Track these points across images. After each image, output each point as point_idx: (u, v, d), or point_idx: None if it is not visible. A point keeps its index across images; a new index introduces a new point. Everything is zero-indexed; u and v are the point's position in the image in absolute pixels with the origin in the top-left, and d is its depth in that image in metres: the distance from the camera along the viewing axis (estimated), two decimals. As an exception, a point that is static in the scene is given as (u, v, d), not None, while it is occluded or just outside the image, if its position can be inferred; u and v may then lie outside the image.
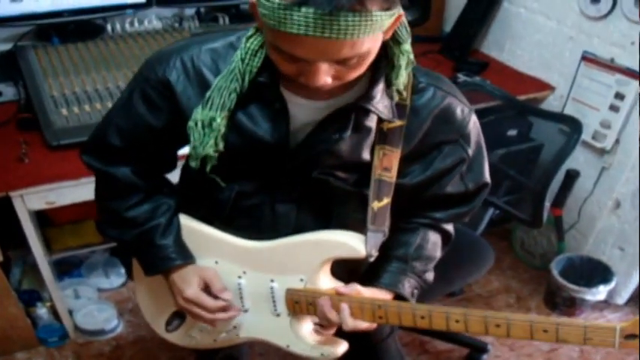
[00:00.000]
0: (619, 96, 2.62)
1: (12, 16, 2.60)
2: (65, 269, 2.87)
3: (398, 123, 1.33)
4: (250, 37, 1.27)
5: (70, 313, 2.65)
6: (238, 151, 1.35)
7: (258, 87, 1.29)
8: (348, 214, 1.46)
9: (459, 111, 1.36)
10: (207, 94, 1.30)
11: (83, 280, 2.89)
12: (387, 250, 1.51)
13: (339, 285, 1.45)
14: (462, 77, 2.88)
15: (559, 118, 2.62)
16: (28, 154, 2.16)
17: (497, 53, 3.22)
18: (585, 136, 2.74)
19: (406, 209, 1.54)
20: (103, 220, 1.59)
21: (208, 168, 1.35)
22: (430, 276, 1.58)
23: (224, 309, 1.51)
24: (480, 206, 1.58)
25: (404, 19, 1.22)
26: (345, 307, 1.40)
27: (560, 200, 2.89)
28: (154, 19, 2.92)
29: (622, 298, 2.97)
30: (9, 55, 2.64)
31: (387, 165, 1.37)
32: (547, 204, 2.42)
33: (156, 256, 1.52)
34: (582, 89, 2.77)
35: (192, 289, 1.49)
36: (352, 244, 1.39)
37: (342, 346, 1.52)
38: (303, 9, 0.99)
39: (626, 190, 2.76)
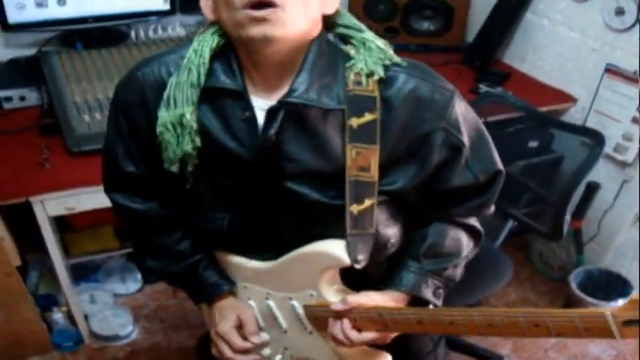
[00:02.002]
0: None
1: (37, 22, 2.63)
2: (82, 274, 2.88)
3: (368, 117, 1.27)
4: (201, 32, 1.29)
5: (86, 318, 2.66)
6: (208, 156, 1.34)
7: (223, 91, 1.29)
8: (332, 227, 1.38)
9: (436, 95, 1.28)
10: (166, 93, 1.29)
11: (99, 285, 2.91)
12: (403, 250, 1.48)
13: (350, 295, 1.41)
14: (483, 88, 2.89)
15: (581, 130, 2.59)
16: (50, 159, 2.17)
17: (520, 64, 3.20)
18: (607, 148, 2.69)
19: (420, 209, 1.48)
20: (142, 252, 1.62)
21: (190, 167, 1.34)
22: (455, 273, 1.51)
23: (248, 351, 1.55)
24: (497, 214, 1.53)
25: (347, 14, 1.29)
26: (345, 321, 1.38)
27: (580, 212, 2.87)
28: (177, 27, 2.95)
29: None
30: (33, 60, 2.66)
31: (364, 164, 1.30)
32: (568, 217, 2.39)
33: (204, 284, 1.57)
34: (605, 101, 2.76)
35: (225, 325, 1.54)
36: (332, 252, 1.36)
37: (385, 359, 1.50)
38: None
39: None
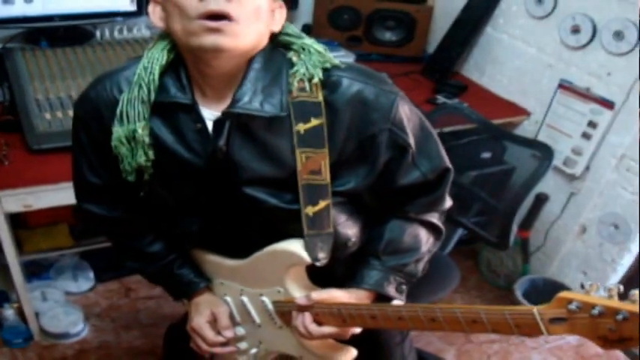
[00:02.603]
0: (592, 124, 2.68)
1: (3, 18, 2.62)
2: (34, 271, 2.88)
3: (314, 122, 1.30)
4: (150, 48, 1.32)
5: (37, 315, 2.65)
6: (165, 167, 1.39)
7: (174, 105, 1.33)
8: (292, 228, 1.42)
9: (380, 98, 1.31)
10: (118, 109, 1.33)
11: (51, 282, 2.90)
12: (362, 247, 1.52)
13: (315, 292, 1.45)
14: (441, 99, 2.94)
15: (531, 144, 2.64)
16: (9, 155, 2.17)
17: (478, 76, 3.26)
18: (557, 161, 2.80)
19: (377, 208, 1.51)
20: (120, 253, 1.69)
21: (147, 176, 1.39)
22: (417, 269, 1.53)
23: (224, 344, 1.61)
24: (446, 221, 1.56)
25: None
26: (306, 315, 1.43)
27: (527, 223, 2.95)
28: (143, 28, 2.96)
29: None
30: (-4, 57, 2.67)
31: (314, 167, 1.34)
32: (515, 227, 2.45)
33: (180, 283, 1.64)
34: (557, 116, 2.83)
35: (198, 320, 1.61)
36: (294, 250, 1.41)
37: (350, 354, 1.54)
38: None
39: (593, 216, 2.82)
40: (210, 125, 1.32)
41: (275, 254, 1.47)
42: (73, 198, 2.08)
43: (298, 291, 1.49)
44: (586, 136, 2.71)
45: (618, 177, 2.68)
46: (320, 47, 1.33)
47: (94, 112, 1.38)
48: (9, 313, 2.59)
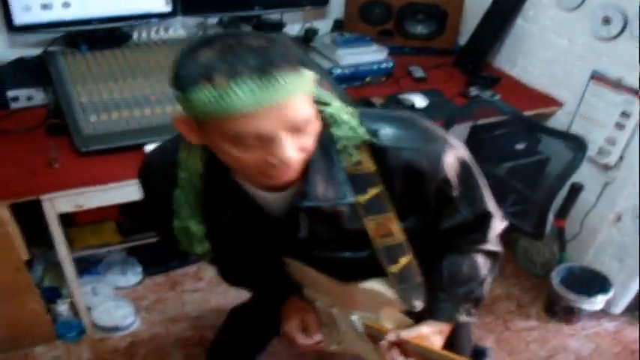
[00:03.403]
0: (625, 114, 2.68)
1: (42, 23, 2.70)
2: (84, 267, 2.95)
3: (372, 192, 1.34)
4: (185, 158, 1.33)
5: (88, 309, 2.73)
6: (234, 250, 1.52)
7: (226, 193, 1.37)
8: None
9: (424, 163, 1.33)
10: (173, 206, 1.40)
11: (101, 277, 2.98)
12: (428, 281, 1.56)
13: (404, 330, 1.52)
14: (474, 91, 2.97)
15: (565, 136, 2.64)
16: (58, 158, 2.24)
17: (509, 68, 3.27)
18: (591, 151, 2.79)
19: (430, 243, 1.55)
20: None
21: (207, 259, 1.51)
22: (482, 291, 1.59)
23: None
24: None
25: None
26: (394, 351, 1.50)
27: (563, 212, 2.96)
28: (179, 28, 3.04)
29: (618, 308, 3.04)
30: (38, 61, 2.74)
31: (385, 231, 1.39)
32: (551, 217, 2.48)
33: (273, 291, 1.80)
34: (590, 107, 2.83)
35: (289, 326, 1.76)
36: (391, 297, 1.51)
37: None
38: (241, 84, 1.03)
39: (628, 205, 2.83)
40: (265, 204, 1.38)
41: (371, 293, 1.54)
42: (122, 197, 2.23)
43: (390, 322, 1.58)
44: (619, 126, 2.71)
45: None
46: (346, 115, 1.32)
47: (152, 192, 1.51)
48: (62, 308, 2.66)
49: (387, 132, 1.33)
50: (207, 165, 1.32)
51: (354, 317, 1.65)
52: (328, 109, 1.31)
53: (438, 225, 1.48)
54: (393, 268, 1.44)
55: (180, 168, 1.34)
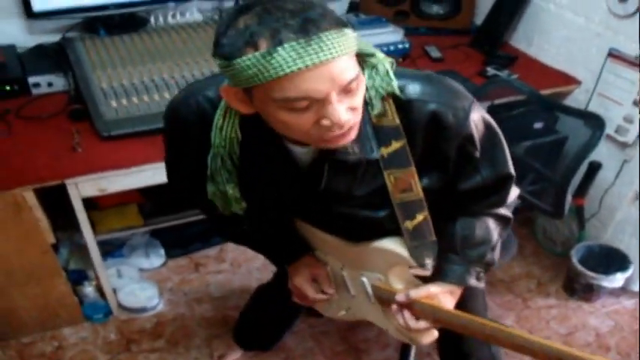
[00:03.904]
0: None
1: (60, 9, 2.74)
2: (108, 250, 2.99)
3: (395, 145, 1.34)
4: (220, 125, 1.33)
5: (114, 291, 2.77)
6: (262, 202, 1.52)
7: (263, 150, 1.38)
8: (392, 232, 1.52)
9: (450, 117, 1.33)
10: (208, 172, 1.41)
11: (125, 260, 3.02)
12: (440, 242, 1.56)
13: (413, 290, 1.53)
14: (491, 71, 2.97)
15: (583, 114, 2.62)
16: (81, 143, 2.27)
17: (526, 47, 3.26)
18: (609, 129, 2.78)
19: (445, 204, 1.55)
20: (218, 222, 1.78)
21: (242, 213, 1.50)
22: (493, 256, 1.61)
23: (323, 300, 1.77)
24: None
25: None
26: (405, 311, 1.52)
27: (582, 191, 2.96)
28: (195, 12, 3.05)
29: (637, 286, 3.02)
30: (58, 47, 2.77)
31: (404, 186, 1.39)
32: (569, 196, 2.48)
33: (283, 251, 1.80)
34: (607, 84, 2.82)
35: (299, 279, 1.77)
36: (402, 254, 1.50)
37: (430, 336, 1.57)
38: (285, 45, 1.03)
39: None
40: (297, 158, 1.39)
41: (382, 252, 1.55)
42: (144, 181, 2.26)
43: (399, 283, 1.59)
44: (637, 104, 2.70)
45: None
46: (387, 65, 1.31)
47: (184, 131, 1.43)
48: (89, 290, 2.70)
49: (414, 87, 1.32)
50: (242, 128, 1.33)
51: (364, 279, 1.66)
52: (373, 60, 1.30)
53: (457, 185, 1.49)
54: (409, 224, 1.45)
55: (214, 134, 1.34)
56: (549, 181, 2.59)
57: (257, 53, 1.04)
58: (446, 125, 1.33)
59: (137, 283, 2.88)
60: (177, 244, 3.16)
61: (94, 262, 2.57)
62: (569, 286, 3.04)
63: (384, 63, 1.30)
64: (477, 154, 1.42)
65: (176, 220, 2.91)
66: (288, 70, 1.04)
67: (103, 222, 2.82)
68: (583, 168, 2.81)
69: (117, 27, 2.88)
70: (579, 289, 2.98)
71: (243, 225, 1.70)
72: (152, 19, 2.98)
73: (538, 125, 2.84)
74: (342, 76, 1.10)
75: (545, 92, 2.85)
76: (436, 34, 3.39)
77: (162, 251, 3.11)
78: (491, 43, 3.24)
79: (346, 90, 1.13)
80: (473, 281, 1.58)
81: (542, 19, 3.15)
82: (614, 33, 2.77)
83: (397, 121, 1.32)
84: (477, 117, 1.38)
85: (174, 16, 3.01)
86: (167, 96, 2.44)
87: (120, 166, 2.24)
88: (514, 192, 1.60)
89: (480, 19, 3.40)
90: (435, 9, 3.41)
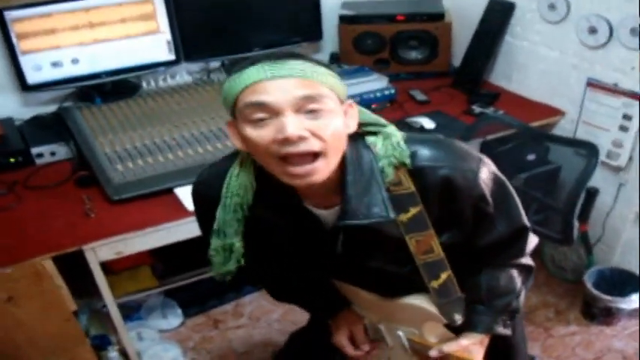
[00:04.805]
0: (627, 117, 2.74)
1: (54, 81, 2.79)
2: (125, 314, 2.95)
3: (413, 211, 1.38)
4: (237, 170, 1.40)
5: (138, 354, 2.74)
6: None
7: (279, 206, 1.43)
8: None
9: (460, 180, 1.37)
10: (215, 225, 1.44)
11: (143, 322, 3.01)
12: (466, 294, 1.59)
13: (446, 344, 1.59)
14: (476, 109, 3.03)
15: (574, 143, 2.72)
16: (93, 208, 2.28)
17: (506, 83, 3.34)
18: (600, 155, 2.76)
19: (467, 259, 1.59)
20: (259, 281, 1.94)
21: (228, 279, 1.53)
22: (518, 304, 1.64)
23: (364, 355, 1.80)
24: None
25: (368, 114, 1.40)
26: None
27: (584, 216, 2.96)
28: (184, 74, 3.10)
29: None
30: (55, 117, 2.80)
31: (426, 248, 1.43)
32: (576, 222, 2.53)
33: (324, 306, 1.85)
34: (591, 112, 2.90)
35: (338, 336, 1.82)
36: (433, 312, 1.55)
37: None
38: (257, 65, 1.19)
39: None
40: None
41: (414, 308, 1.59)
42: (160, 241, 2.29)
43: (433, 337, 1.63)
44: (623, 128, 2.77)
45: None
46: (397, 137, 1.38)
47: (205, 206, 1.50)
48: (113, 355, 2.67)
49: (424, 152, 1.37)
50: (259, 181, 1.39)
51: (400, 333, 1.69)
52: (383, 129, 1.39)
53: (476, 241, 1.52)
54: (435, 284, 1.49)
55: (228, 182, 1.40)
56: (552, 209, 2.65)
57: (235, 74, 1.22)
58: (457, 188, 1.38)
59: (159, 344, 2.87)
60: (193, 302, 3.17)
61: (117, 326, 2.53)
62: (587, 312, 3.05)
63: (396, 134, 1.38)
64: (491, 209, 1.45)
65: (189, 278, 2.91)
66: (250, 81, 1.19)
67: (118, 286, 2.79)
68: (583, 194, 2.88)
69: (111, 94, 2.92)
70: (598, 314, 3.00)
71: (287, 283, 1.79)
72: (144, 84, 3.02)
73: (531, 157, 2.88)
74: (296, 90, 1.19)
75: (532, 125, 2.92)
76: (417, 78, 3.48)
77: (179, 311, 3.11)
78: (472, 82, 3.32)
79: (304, 109, 1.20)
80: (500, 329, 1.62)
81: (518, 55, 3.24)
82: (590, 63, 2.86)
83: (412, 188, 1.37)
84: (486, 175, 1.42)
85: (164, 79, 3.06)
86: (170, 157, 2.49)
87: (134, 228, 2.24)
88: (533, 241, 1.64)
89: (458, 60, 3.48)
90: (414, 54, 3.50)
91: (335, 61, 3.47)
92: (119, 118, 2.73)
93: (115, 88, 2.96)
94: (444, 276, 1.48)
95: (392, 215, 1.36)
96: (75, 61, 2.81)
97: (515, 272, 1.61)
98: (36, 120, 2.84)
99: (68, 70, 2.80)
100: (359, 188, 1.35)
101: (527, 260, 1.64)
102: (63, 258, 2.22)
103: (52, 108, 2.88)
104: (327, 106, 1.22)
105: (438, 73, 3.50)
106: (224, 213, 1.42)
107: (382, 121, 1.42)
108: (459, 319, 1.55)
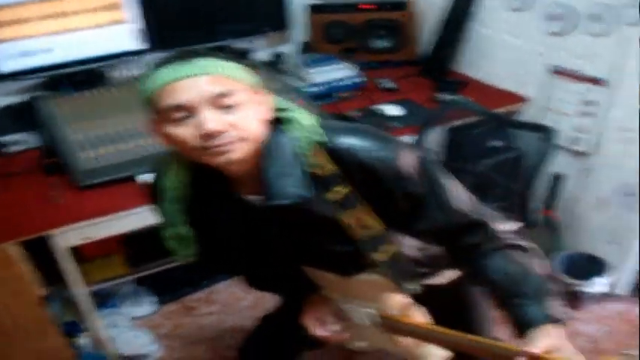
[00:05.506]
0: (590, 103, 2.79)
1: (25, 70, 2.78)
2: (99, 301, 2.95)
3: (343, 191, 1.42)
4: (174, 167, 1.48)
5: (110, 341, 2.75)
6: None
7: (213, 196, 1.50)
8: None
9: (378, 165, 1.40)
10: (164, 217, 1.53)
11: (117, 310, 3.02)
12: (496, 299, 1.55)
13: (410, 308, 1.57)
14: (444, 96, 3.06)
15: (533, 127, 2.73)
16: (61, 195, 2.30)
17: (474, 72, 3.38)
18: (565, 141, 2.90)
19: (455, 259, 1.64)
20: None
21: (192, 261, 1.60)
22: (549, 285, 1.52)
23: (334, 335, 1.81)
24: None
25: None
26: None
27: (551, 202, 3.03)
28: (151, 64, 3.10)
29: (622, 289, 3.08)
30: (26, 106, 2.80)
31: (362, 224, 1.45)
32: (537, 206, 2.55)
33: (294, 289, 1.88)
34: (556, 99, 2.94)
35: (306, 319, 1.84)
36: (388, 283, 1.56)
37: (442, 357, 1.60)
38: (167, 66, 1.25)
39: (610, 188, 2.90)
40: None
41: (370, 283, 1.60)
42: (126, 226, 2.31)
43: (395, 309, 1.60)
44: (587, 114, 2.82)
45: (624, 149, 2.75)
46: (309, 119, 1.44)
47: (155, 200, 1.58)
48: (84, 341, 2.68)
49: (342, 139, 1.42)
50: (194, 173, 1.47)
51: (370, 310, 1.69)
52: (291, 113, 1.45)
53: (418, 226, 1.53)
54: (378, 257, 1.51)
55: (164, 179, 1.49)
56: (515, 194, 2.67)
57: (148, 77, 1.28)
58: (377, 172, 1.41)
59: (131, 331, 2.88)
60: (166, 289, 3.19)
61: (86, 314, 2.56)
62: None
63: (308, 117, 1.45)
64: (420, 194, 1.47)
65: (161, 266, 2.95)
66: (161, 82, 1.25)
67: (90, 273, 2.82)
68: (549, 181, 2.96)
69: (82, 83, 2.92)
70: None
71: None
72: (115, 73, 3.04)
73: (496, 143, 2.89)
74: (209, 88, 1.25)
75: (497, 111, 2.96)
76: (385, 66, 3.51)
77: (152, 298, 3.14)
78: (440, 71, 3.36)
79: (220, 105, 1.27)
80: (559, 312, 1.47)
81: (484, 44, 3.28)
82: (554, 50, 2.90)
83: (335, 169, 1.41)
84: (406, 160, 1.44)
85: (135, 68, 3.07)
86: (138, 143, 2.50)
87: (102, 213, 2.27)
88: (507, 225, 1.62)
89: (425, 48, 3.52)
90: (381, 43, 3.54)
91: (305, 50, 3.50)
92: (89, 107, 2.73)
93: (85, 77, 2.95)
94: (387, 249, 1.51)
95: (309, 194, 1.41)
96: (46, 51, 2.80)
97: (515, 254, 1.56)
98: (6, 109, 2.84)
99: (39, 60, 2.79)
100: (279, 171, 1.40)
101: (517, 241, 1.59)
102: (36, 245, 2.24)
103: (22, 97, 2.88)
104: (240, 98, 1.30)
105: (406, 61, 3.54)
106: (169, 205, 1.50)
107: (293, 106, 1.48)
108: (412, 287, 1.56)
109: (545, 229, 3.15)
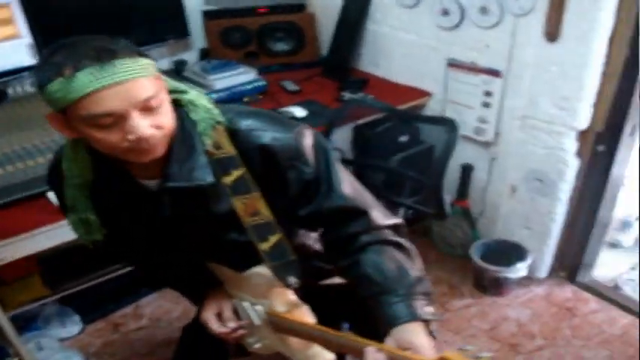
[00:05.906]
0: (487, 93, 2.89)
1: None
2: (22, 325, 2.90)
3: (236, 173, 1.45)
4: (72, 157, 1.45)
5: None
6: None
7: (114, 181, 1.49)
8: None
9: (277, 146, 1.45)
10: (67, 203, 1.53)
11: (42, 332, 2.92)
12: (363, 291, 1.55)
13: (297, 306, 1.59)
14: (347, 95, 3.09)
15: (435, 120, 2.83)
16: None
17: (374, 69, 3.43)
18: (468, 132, 3.00)
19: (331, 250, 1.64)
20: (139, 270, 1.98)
21: (101, 244, 1.60)
22: (425, 286, 1.55)
23: (231, 332, 1.78)
24: (388, 206, 1.68)
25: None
26: None
27: (463, 192, 3.15)
28: (51, 79, 3.01)
29: (542, 272, 3.17)
30: None
31: (253, 210, 1.49)
32: (447, 197, 2.62)
33: (196, 289, 1.89)
34: (455, 92, 3.03)
35: (205, 314, 1.81)
36: (271, 277, 1.58)
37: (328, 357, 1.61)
38: (84, 70, 1.19)
39: (517, 175, 2.98)
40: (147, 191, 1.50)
41: (258, 277, 1.62)
42: (46, 243, 2.23)
43: (282, 306, 1.62)
44: (486, 105, 2.91)
45: (526, 136, 2.83)
46: (204, 100, 1.48)
47: (56, 190, 1.62)
48: (12, 366, 2.59)
49: (242, 121, 1.48)
50: (94, 158, 1.45)
51: (259, 307, 1.70)
52: (186, 96, 1.46)
53: (303, 210, 1.55)
54: (265, 246, 1.53)
55: (67, 165, 1.47)
56: (427, 186, 2.75)
57: (62, 79, 1.20)
58: (276, 154, 1.46)
59: (59, 352, 2.80)
60: (92, 308, 3.12)
61: (11, 338, 2.44)
62: (479, 284, 3.15)
63: (200, 98, 1.48)
64: (313, 177, 1.51)
65: (83, 284, 2.88)
66: (87, 90, 1.20)
67: (10, 297, 2.75)
68: (458, 172, 3.06)
69: (-23, 101, 2.81)
70: (489, 285, 3.10)
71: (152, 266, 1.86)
72: (11, 91, 2.93)
73: (404, 138, 3.01)
74: (138, 94, 1.25)
75: (402, 107, 3.03)
76: (287, 69, 3.53)
77: (76, 317, 3.05)
78: (341, 70, 3.40)
79: (146, 108, 1.27)
80: (426, 313, 1.48)
81: (381, 42, 3.34)
82: (447, 44, 2.99)
83: (233, 151, 1.45)
84: (304, 143, 1.50)
85: (31, 84, 2.97)
86: (42, 160, 2.42)
87: (12, 233, 2.17)
88: (382, 214, 1.61)
89: (326, 49, 3.56)
90: (281, 46, 3.56)
91: (205, 57, 3.47)
92: (-10, 125, 2.64)
93: (-19, 95, 2.85)
94: (273, 239, 1.54)
95: (210, 179, 1.44)
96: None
97: (392, 251, 1.56)
98: None
99: None
100: (182, 154, 1.42)
101: (394, 237, 1.59)
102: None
103: None
104: (162, 96, 1.31)
105: (307, 63, 3.56)
106: (72, 191, 1.50)
107: (182, 87, 1.49)
108: (293, 281, 1.56)
109: (460, 219, 3.26)
